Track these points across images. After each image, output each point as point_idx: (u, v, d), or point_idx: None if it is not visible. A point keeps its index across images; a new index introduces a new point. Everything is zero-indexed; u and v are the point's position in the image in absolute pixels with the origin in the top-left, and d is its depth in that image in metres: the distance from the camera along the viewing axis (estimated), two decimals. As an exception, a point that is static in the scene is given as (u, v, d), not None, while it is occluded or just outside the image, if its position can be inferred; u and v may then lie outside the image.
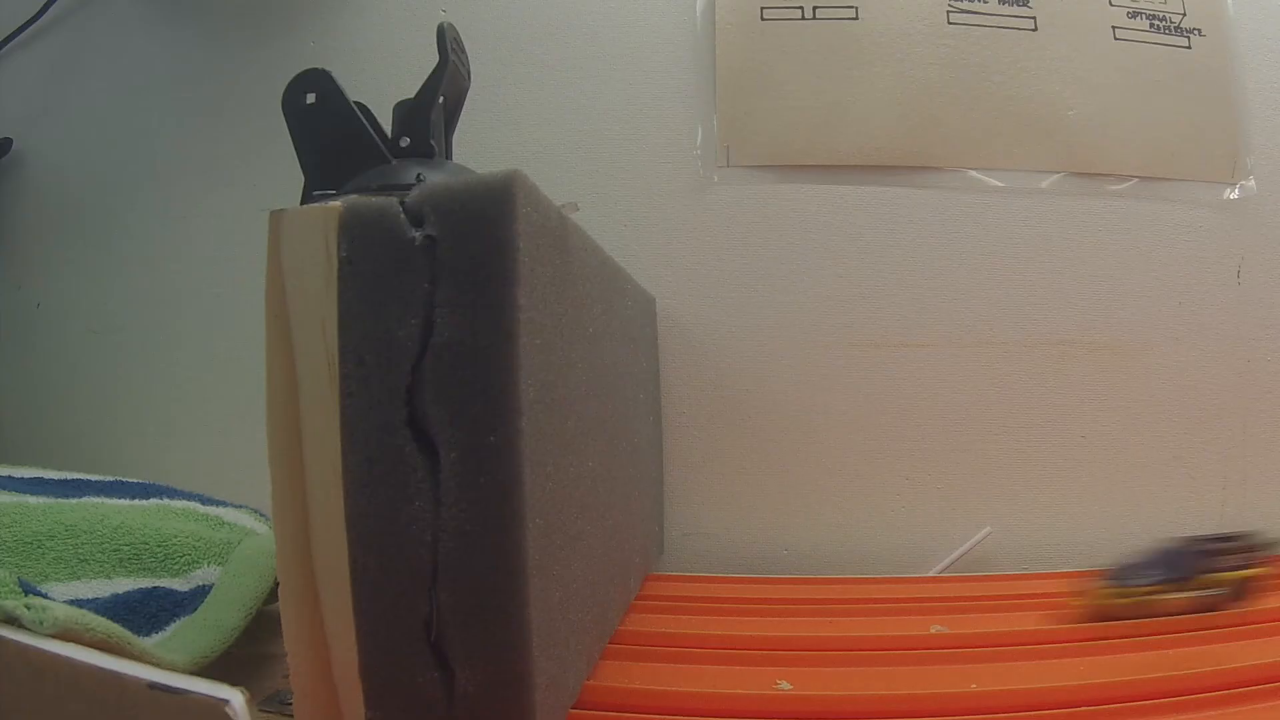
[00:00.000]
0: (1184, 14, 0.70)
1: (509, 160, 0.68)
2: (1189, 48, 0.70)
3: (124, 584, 0.43)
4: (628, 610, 0.50)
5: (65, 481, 0.54)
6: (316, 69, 0.44)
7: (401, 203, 0.29)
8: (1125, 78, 0.69)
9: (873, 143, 0.69)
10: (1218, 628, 0.45)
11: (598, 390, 0.41)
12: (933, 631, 0.46)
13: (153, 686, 0.27)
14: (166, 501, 0.52)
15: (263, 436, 0.30)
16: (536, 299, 0.30)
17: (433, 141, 0.45)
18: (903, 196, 0.69)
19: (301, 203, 0.43)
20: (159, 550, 0.45)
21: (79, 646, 0.29)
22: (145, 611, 0.41)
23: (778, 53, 0.70)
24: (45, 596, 0.32)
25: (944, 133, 0.69)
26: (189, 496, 0.54)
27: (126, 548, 0.44)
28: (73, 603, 0.33)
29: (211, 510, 0.53)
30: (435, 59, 0.46)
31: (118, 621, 0.32)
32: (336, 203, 0.30)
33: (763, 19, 0.70)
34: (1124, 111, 0.69)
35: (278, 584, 0.30)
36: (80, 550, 0.43)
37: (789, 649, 0.44)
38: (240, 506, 0.55)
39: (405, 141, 0.45)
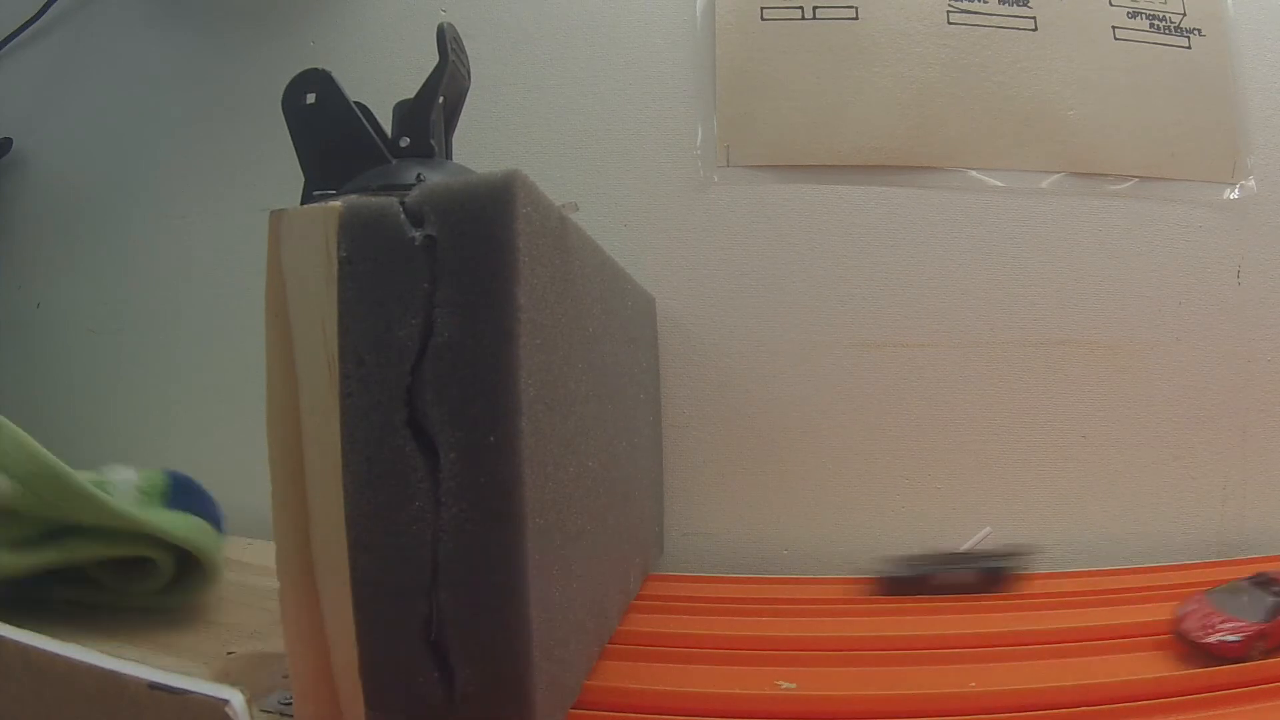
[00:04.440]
0: (1184, 14, 0.70)
1: (509, 160, 0.68)
2: (1189, 48, 0.70)
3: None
4: (628, 610, 0.50)
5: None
6: (316, 69, 0.44)
7: (401, 203, 0.29)
8: (1125, 78, 0.69)
9: (873, 143, 0.69)
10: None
11: (597, 390, 0.41)
12: (932, 632, 0.46)
13: (153, 686, 0.27)
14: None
15: (263, 436, 0.30)
16: (536, 299, 0.30)
17: (433, 141, 0.45)
18: (903, 196, 0.69)
19: (301, 203, 0.43)
20: None
21: (79, 646, 0.29)
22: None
23: (778, 53, 0.70)
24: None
25: (944, 133, 0.69)
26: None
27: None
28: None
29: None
30: (435, 59, 0.46)
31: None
32: (336, 203, 0.30)
33: (763, 19, 0.70)
34: (1124, 111, 0.69)
35: (277, 584, 0.30)
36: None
37: (789, 649, 0.44)
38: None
39: (405, 141, 0.45)
